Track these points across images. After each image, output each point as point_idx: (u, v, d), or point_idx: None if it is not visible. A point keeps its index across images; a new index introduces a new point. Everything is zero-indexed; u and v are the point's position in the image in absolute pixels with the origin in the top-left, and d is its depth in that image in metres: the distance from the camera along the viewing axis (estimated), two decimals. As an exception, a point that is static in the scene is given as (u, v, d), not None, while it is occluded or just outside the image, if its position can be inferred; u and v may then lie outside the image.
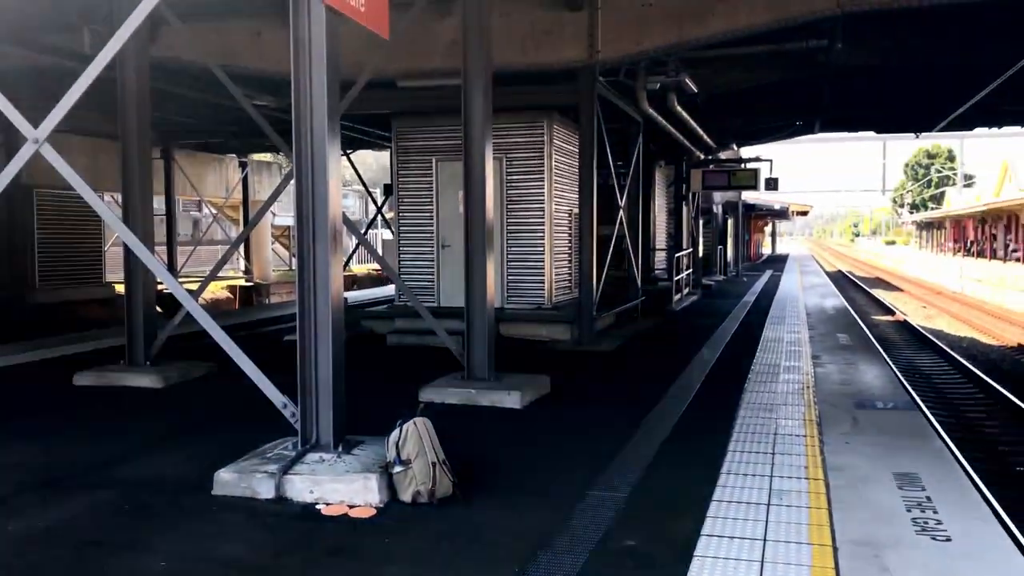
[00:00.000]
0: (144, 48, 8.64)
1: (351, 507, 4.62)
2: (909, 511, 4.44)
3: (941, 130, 18.73)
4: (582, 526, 4.30)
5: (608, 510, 4.54)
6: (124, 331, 8.68)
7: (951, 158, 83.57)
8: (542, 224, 11.44)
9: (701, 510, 4.50)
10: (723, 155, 22.27)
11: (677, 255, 17.11)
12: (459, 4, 7.81)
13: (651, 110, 12.53)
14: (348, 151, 18.42)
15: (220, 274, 12.96)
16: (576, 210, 11.41)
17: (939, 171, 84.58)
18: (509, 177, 11.48)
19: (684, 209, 20.23)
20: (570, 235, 12.28)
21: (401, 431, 4.76)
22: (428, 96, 11.29)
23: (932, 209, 78.52)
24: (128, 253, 8.57)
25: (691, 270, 19.55)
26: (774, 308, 16.31)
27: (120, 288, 14.57)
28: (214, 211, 25.17)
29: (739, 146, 23.46)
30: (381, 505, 4.65)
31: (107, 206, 5.97)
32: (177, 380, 8.35)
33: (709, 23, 9.54)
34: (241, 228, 25.47)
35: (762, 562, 3.82)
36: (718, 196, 27.88)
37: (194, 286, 12.82)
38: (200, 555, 3.99)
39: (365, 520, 4.46)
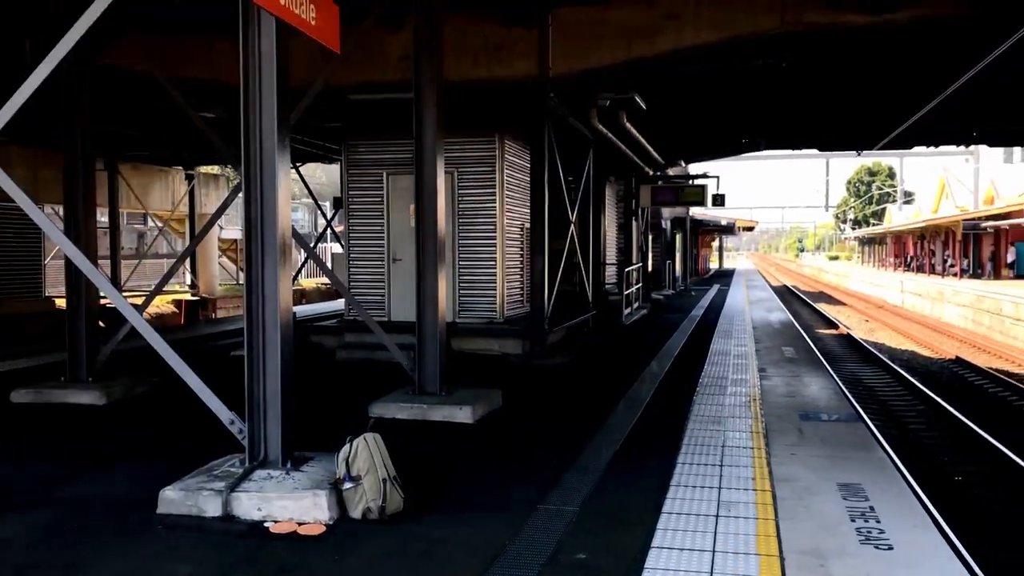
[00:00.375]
0: (89, 57, 8.48)
1: (300, 524, 4.55)
2: (853, 521, 4.54)
3: (882, 148, 19.25)
4: (534, 540, 4.31)
5: (559, 523, 4.55)
6: (65, 346, 8.47)
7: (891, 176, 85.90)
8: (494, 238, 11.46)
9: (651, 522, 4.54)
10: (672, 171, 22.60)
11: (627, 269, 17.27)
12: (411, 19, 7.82)
13: (602, 126, 12.66)
14: (297, 164, 18.26)
15: (165, 288, 12.73)
16: (528, 224, 11.46)
17: (880, 188, 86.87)
18: (461, 191, 11.49)
19: (634, 224, 20.45)
20: (522, 249, 12.32)
21: (351, 447, 4.72)
22: (379, 110, 11.27)
23: (874, 225, 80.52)
24: (70, 267, 8.38)
25: (640, 284, 19.74)
26: (721, 322, 16.55)
27: (61, 303, 14.18)
28: (160, 224, 24.74)
29: (687, 163, 23.86)
30: (331, 522, 4.59)
31: (48, 219, 5.84)
32: (121, 396, 8.15)
33: (658, 41, 9.69)
34: (187, 241, 25.04)
35: (711, 573, 3.86)
36: (667, 212, 28.26)
37: (139, 300, 12.57)
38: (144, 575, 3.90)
39: (314, 537, 4.41)
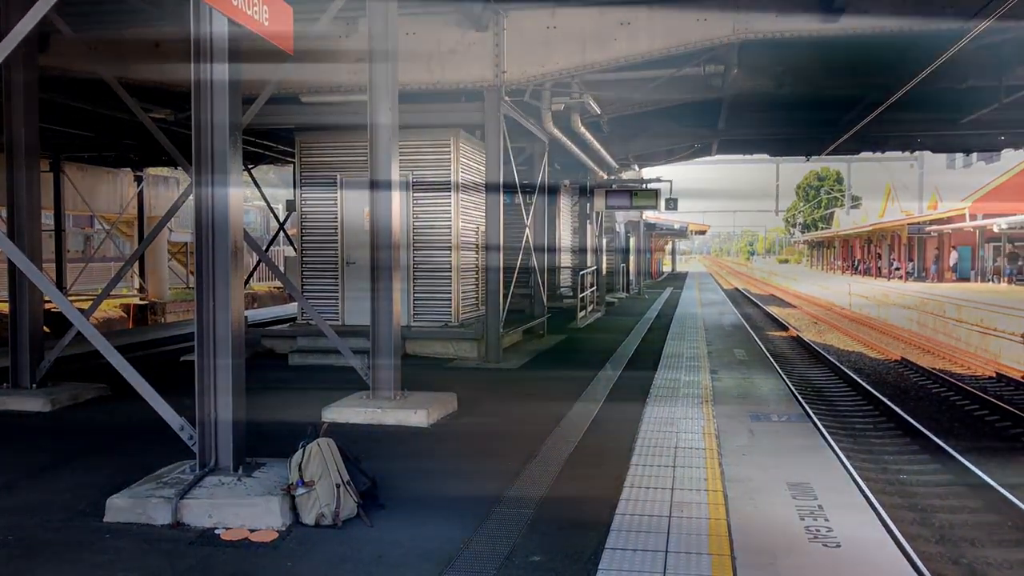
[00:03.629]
0: (33, 57, 8.29)
1: (252, 531, 4.50)
2: (803, 519, 4.62)
3: (830, 154, 19.67)
4: (488, 543, 4.31)
5: (514, 526, 4.57)
6: (7, 352, 8.25)
7: (839, 181, 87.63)
8: (449, 241, 11.44)
9: (605, 524, 4.57)
10: (625, 176, 22.77)
11: (581, 273, 17.37)
12: (365, 21, 7.78)
13: (556, 130, 12.73)
14: (250, 166, 18.05)
15: (113, 292, 12.48)
16: (483, 227, 11.47)
17: (828, 193, 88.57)
18: (416, 194, 11.45)
19: (588, 228, 20.59)
20: (477, 252, 12.32)
21: (304, 452, 4.68)
22: (333, 111, 11.19)
23: (822, 229, 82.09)
24: (13, 270, 8.17)
25: (595, 287, 19.87)
26: (674, 324, 16.73)
27: (3, 307, 13.82)
28: (107, 227, 24.23)
29: (641, 167, 24.05)
30: (283, 528, 4.55)
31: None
32: (67, 403, 7.97)
33: (611, 47, 9.80)
34: (136, 245, 24.57)
35: (664, 573, 3.91)
36: (621, 215, 28.44)
37: (86, 305, 12.29)
38: (90, 586, 3.82)
39: (267, 544, 4.36)
